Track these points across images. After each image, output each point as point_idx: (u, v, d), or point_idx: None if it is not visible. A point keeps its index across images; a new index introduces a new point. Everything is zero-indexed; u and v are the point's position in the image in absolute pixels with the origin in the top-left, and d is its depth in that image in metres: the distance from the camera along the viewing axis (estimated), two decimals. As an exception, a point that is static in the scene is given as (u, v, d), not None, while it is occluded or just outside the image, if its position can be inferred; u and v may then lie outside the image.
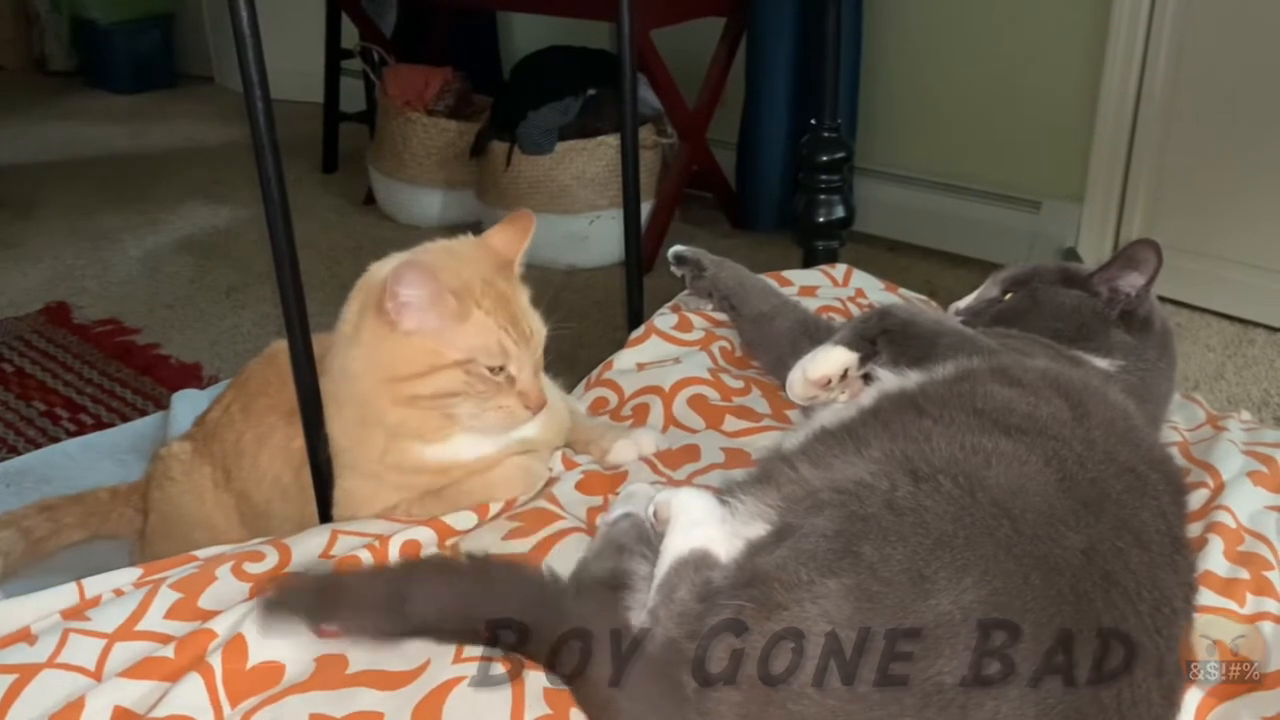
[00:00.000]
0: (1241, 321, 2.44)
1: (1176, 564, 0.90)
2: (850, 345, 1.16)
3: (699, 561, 0.89)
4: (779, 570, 0.83)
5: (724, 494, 0.97)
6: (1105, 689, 0.80)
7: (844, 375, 1.16)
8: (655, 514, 0.98)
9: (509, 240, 1.15)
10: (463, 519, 1.09)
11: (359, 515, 1.12)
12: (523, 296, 1.11)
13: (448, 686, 0.88)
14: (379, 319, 1.05)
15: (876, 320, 1.17)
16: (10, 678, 0.90)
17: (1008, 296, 1.26)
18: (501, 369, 1.06)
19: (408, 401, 1.06)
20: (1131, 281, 1.21)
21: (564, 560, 1.01)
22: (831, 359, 1.16)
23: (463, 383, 1.05)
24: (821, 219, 1.85)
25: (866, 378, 1.16)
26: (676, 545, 0.91)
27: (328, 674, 0.91)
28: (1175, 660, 0.87)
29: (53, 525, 1.35)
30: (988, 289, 1.30)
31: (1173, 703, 0.86)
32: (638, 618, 0.90)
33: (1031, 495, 0.87)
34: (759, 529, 0.91)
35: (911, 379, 1.07)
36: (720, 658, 0.82)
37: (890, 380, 1.10)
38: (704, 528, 0.92)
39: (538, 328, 1.11)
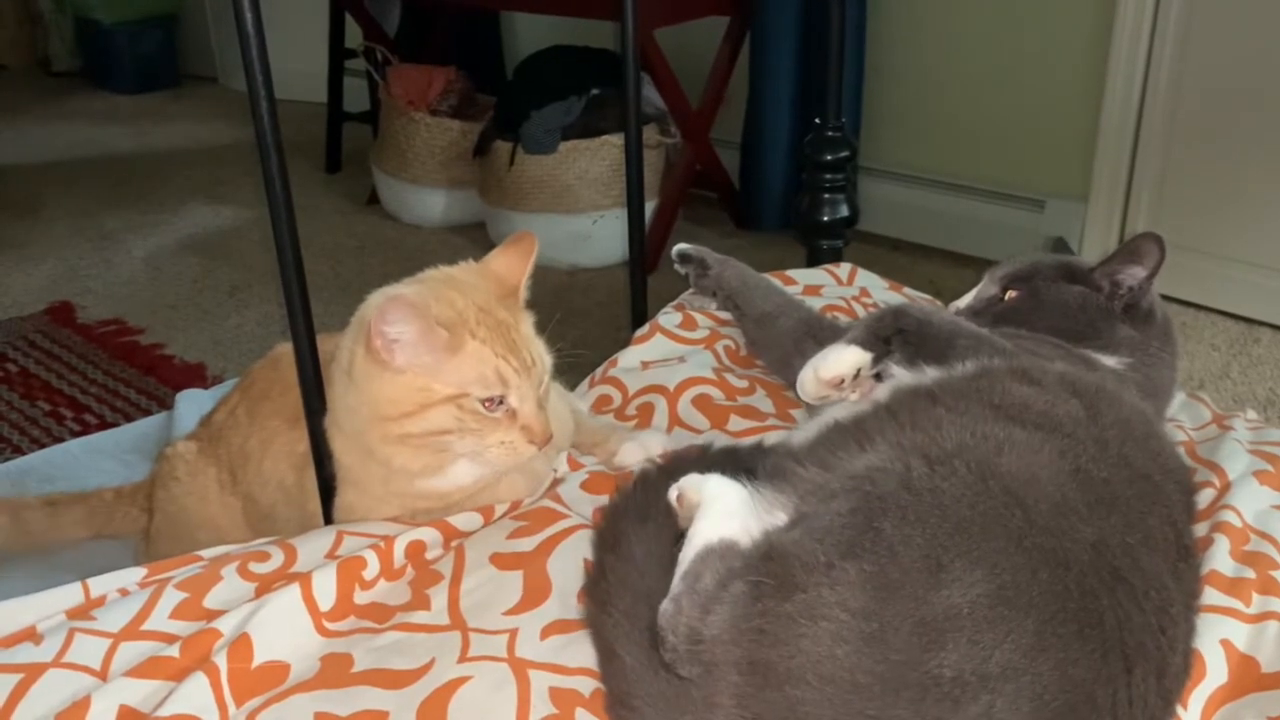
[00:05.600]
0: (1247, 320, 2.44)
1: (1180, 571, 0.90)
2: (864, 345, 1.15)
3: (725, 551, 0.88)
4: (798, 548, 0.83)
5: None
6: (1101, 688, 0.80)
7: (856, 374, 1.16)
8: (679, 498, 0.97)
9: (511, 265, 1.11)
10: (468, 520, 1.09)
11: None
12: (525, 324, 1.07)
13: (453, 686, 0.89)
14: (369, 356, 1.01)
15: (891, 319, 1.16)
16: (16, 677, 0.90)
17: (1008, 294, 1.26)
18: (501, 401, 1.01)
19: (399, 440, 1.03)
20: (1133, 274, 1.20)
21: (568, 557, 1.01)
22: (845, 358, 1.15)
23: (455, 420, 1.00)
24: (825, 218, 1.85)
25: (878, 376, 1.15)
26: (705, 533, 0.90)
27: (332, 673, 0.91)
28: (1179, 663, 0.87)
29: (53, 519, 1.36)
30: (986, 286, 1.29)
31: (1170, 704, 0.86)
32: None
33: (1044, 484, 0.87)
34: (778, 519, 0.91)
35: (928, 375, 1.07)
36: (726, 640, 0.82)
37: (905, 377, 1.10)
38: (737, 519, 0.91)
39: (541, 356, 1.06)
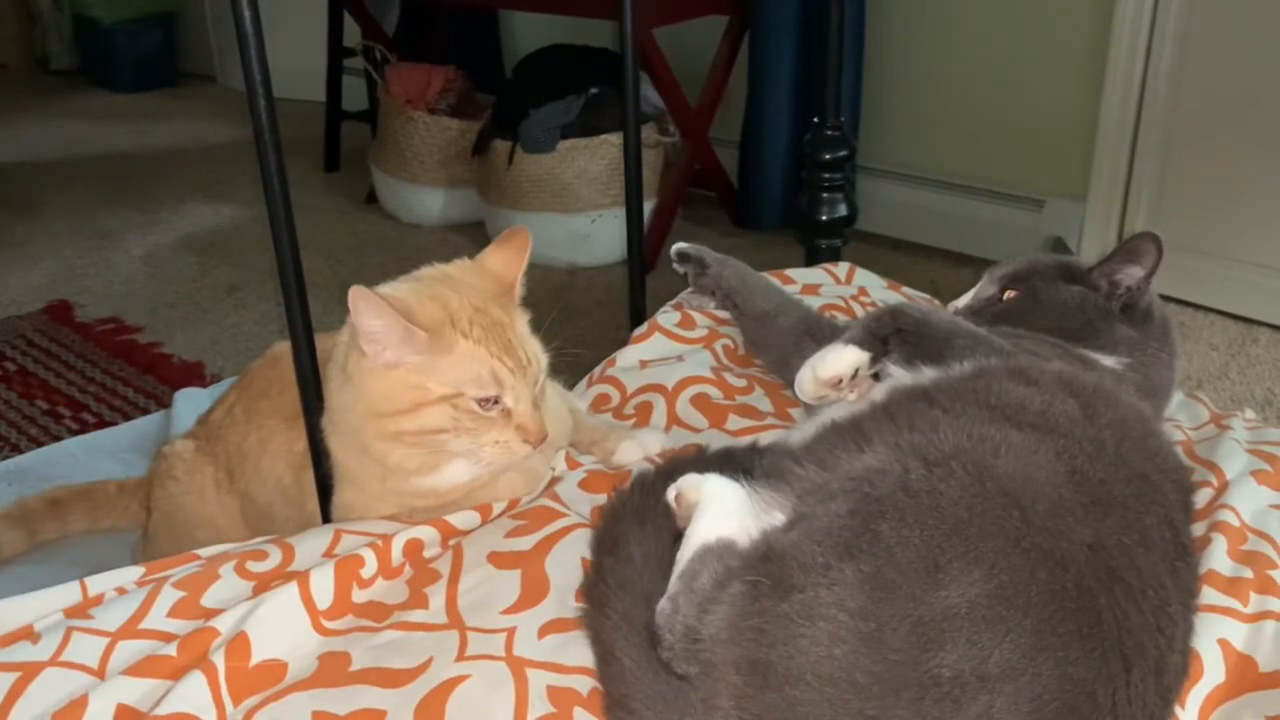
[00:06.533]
0: (1245, 320, 2.44)
1: (1178, 570, 0.90)
2: (862, 344, 1.15)
3: (723, 550, 0.88)
4: (795, 549, 0.83)
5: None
6: (1101, 688, 0.80)
7: (854, 374, 1.16)
8: (677, 498, 0.97)
9: (507, 261, 1.10)
10: (466, 518, 1.09)
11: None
12: (521, 323, 1.07)
13: (450, 684, 0.89)
14: (360, 351, 1.01)
15: (889, 319, 1.15)
16: (13, 676, 0.90)
17: (1007, 294, 1.26)
18: (496, 401, 1.01)
19: (394, 437, 1.02)
20: (1132, 274, 1.21)
21: (566, 556, 1.01)
22: (843, 358, 1.15)
23: (450, 419, 1.00)
24: (824, 217, 1.85)
25: (876, 376, 1.15)
26: (703, 532, 0.90)
27: (330, 672, 0.91)
28: (1177, 662, 0.87)
29: (58, 519, 1.38)
30: (985, 286, 1.29)
31: (1169, 703, 0.86)
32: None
33: (1042, 485, 0.87)
34: (776, 519, 0.91)
35: (926, 375, 1.07)
36: (724, 639, 0.82)
37: (903, 376, 1.10)
38: (735, 519, 0.91)
39: (536, 356, 1.06)
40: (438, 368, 1.00)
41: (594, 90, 2.84)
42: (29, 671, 0.90)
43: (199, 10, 4.71)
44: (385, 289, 1.05)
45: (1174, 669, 0.86)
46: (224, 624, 0.93)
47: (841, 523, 0.84)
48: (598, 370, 1.41)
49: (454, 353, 1.00)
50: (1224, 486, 1.16)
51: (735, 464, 1.03)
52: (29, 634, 0.94)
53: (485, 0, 3.43)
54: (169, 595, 0.97)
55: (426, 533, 1.06)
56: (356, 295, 0.97)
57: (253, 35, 1.01)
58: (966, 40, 2.76)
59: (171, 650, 0.91)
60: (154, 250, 3.07)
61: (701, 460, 1.10)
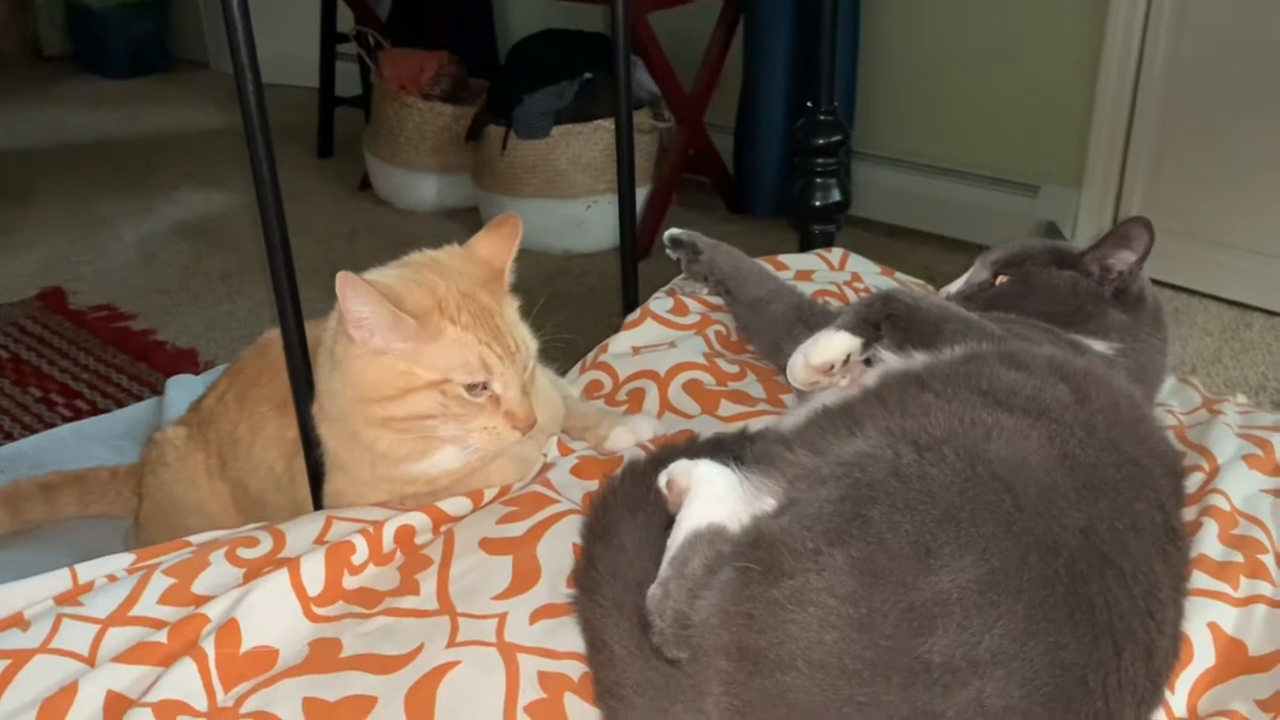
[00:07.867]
0: (1239, 306, 2.44)
1: (1169, 554, 0.90)
2: (853, 330, 1.14)
3: (714, 536, 0.88)
4: (786, 535, 0.83)
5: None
6: (1092, 672, 0.80)
7: (846, 360, 1.15)
8: (668, 484, 0.97)
9: (496, 248, 1.10)
10: (457, 504, 1.09)
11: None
12: (510, 309, 1.07)
13: (441, 670, 0.89)
14: (349, 337, 1.01)
15: (881, 305, 1.15)
16: (3, 663, 0.90)
17: (999, 279, 1.26)
18: (484, 387, 1.01)
19: (382, 423, 1.02)
20: (1124, 259, 1.20)
21: (558, 542, 1.01)
22: (835, 344, 1.14)
23: (438, 405, 1.00)
24: (818, 203, 1.84)
25: (868, 361, 1.15)
26: (694, 518, 0.90)
27: (321, 658, 0.91)
28: (1166, 646, 0.87)
29: (49, 503, 1.38)
30: (977, 272, 1.29)
31: (1159, 687, 0.86)
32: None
33: (1033, 470, 0.87)
34: (766, 504, 0.91)
35: (917, 360, 1.07)
36: (715, 625, 0.82)
37: (894, 361, 1.10)
38: (726, 504, 0.91)
39: (525, 342, 1.06)
40: (425, 354, 1.00)
41: (588, 75, 2.82)
42: (19, 659, 0.90)
43: (192, -4, 4.68)
44: (373, 275, 1.04)
45: (1164, 653, 0.87)
46: (214, 611, 0.93)
47: (832, 508, 0.84)
48: (590, 356, 1.41)
49: (441, 339, 1.00)
50: (1215, 471, 1.16)
51: (726, 450, 1.03)
52: (19, 621, 0.94)
53: (479, -15, 3.41)
54: (159, 582, 0.97)
55: (418, 519, 1.06)
56: (344, 281, 0.97)
57: (240, 20, 1.01)
58: (962, 26, 2.75)
59: (162, 637, 0.91)
60: (147, 237, 3.06)
61: (693, 446, 1.10)
